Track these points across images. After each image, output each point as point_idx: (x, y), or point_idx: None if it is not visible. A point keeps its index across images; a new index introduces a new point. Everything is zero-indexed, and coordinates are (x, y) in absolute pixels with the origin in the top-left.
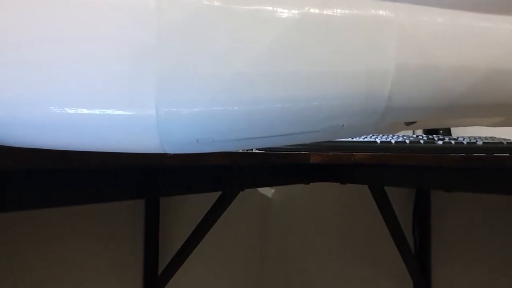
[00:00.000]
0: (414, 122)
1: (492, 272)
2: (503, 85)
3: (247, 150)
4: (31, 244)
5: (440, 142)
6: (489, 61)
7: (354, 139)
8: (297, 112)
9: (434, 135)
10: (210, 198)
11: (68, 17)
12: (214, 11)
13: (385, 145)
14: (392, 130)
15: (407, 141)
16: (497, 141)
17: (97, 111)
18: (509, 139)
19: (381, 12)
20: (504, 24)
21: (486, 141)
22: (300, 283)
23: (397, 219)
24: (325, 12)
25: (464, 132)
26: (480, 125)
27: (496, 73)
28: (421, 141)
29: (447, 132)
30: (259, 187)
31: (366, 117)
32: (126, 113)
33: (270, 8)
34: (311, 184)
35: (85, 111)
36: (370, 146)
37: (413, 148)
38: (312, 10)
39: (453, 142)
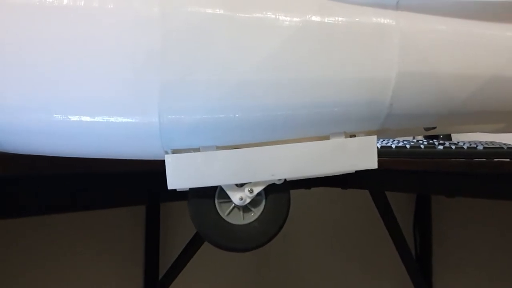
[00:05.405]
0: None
1: (494, 276)
2: (504, 93)
3: None
4: (32, 247)
5: (441, 147)
6: (491, 69)
7: None
8: (298, 119)
9: (434, 140)
10: None
11: (72, 23)
12: (217, 19)
13: (386, 150)
14: (393, 136)
15: (408, 146)
16: (497, 145)
17: (100, 119)
18: (510, 144)
19: (383, 20)
20: (506, 32)
21: (486, 145)
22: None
23: (398, 224)
24: (326, 20)
25: (464, 137)
26: (481, 132)
27: (498, 81)
28: (422, 146)
29: (448, 137)
30: None
31: (367, 123)
32: (128, 120)
33: (273, 16)
34: (312, 189)
35: (88, 118)
36: None
37: (413, 153)
38: (314, 18)
39: (453, 147)
